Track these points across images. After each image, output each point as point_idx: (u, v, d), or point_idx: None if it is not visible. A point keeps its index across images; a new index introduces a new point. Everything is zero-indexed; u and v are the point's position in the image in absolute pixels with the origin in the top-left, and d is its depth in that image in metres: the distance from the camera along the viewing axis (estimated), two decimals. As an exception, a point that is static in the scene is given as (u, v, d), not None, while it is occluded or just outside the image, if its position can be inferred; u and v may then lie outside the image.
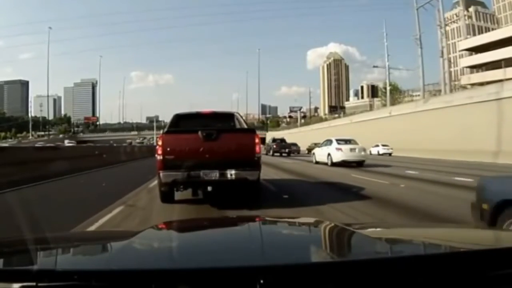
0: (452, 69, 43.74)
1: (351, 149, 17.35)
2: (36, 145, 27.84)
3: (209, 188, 6.22)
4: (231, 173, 6.06)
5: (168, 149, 6.12)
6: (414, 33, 40.27)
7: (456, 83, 49.07)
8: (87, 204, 6.54)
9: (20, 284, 0.87)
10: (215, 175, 6.06)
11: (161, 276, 0.91)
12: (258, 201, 6.61)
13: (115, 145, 36.70)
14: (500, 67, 36.70)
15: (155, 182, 8.60)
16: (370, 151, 31.32)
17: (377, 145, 34.42)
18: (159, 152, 6.15)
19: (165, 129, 7.36)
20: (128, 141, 77.83)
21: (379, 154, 32.73)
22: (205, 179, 6.07)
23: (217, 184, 6.17)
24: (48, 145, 34.47)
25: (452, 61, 48.11)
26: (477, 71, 43.33)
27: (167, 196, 6.56)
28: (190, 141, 6.19)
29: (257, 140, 6.33)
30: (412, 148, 30.65)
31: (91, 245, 1.55)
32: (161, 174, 6.13)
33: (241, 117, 8.46)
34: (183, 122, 7.83)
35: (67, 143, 50.97)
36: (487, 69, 39.72)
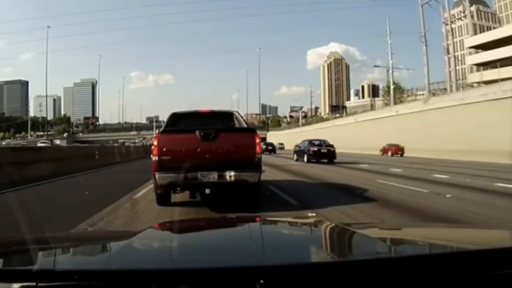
0: (457, 67, 43.08)
1: None
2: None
3: (207, 191, 6.00)
4: (230, 175, 5.82)
5: (164, 149, 5.85)
6: (415, 31, 40.13)
7: (463, 81, 48.49)
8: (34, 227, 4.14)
9: (20, 284, 0.87)
10: (213, 176, 5.82)
11: (161, 276, 0.91)
12: (258, 204, 6.32)
13: (111, 144, 34.54)
14: (508, 65, 36.07)
15: (143, 191, 8.15)
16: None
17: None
18: (155, 152, 5.88)
19: (161, 129, 7.06)
20: (121, 141, 74.60)
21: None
22: (203, 181, 5.83)
23: (216, 186, 5.93)
24: (28, 146, 31.46)
25: (459, 59, 47.61)
26: (484, 69, 42.79)
27: (163, 198, 6.31)
28: (187, 141, 5.95)
29: (257, 140, 6.10)
30: (421, 148, 29.74)
31: (91, 245, 1.55)
32: (156, 176, 5.86)
33: (241, 116, 8.19)
34: (180, 121, 7.59)
35: (39, 143, 47.69)
36: (494, 67, 39.11)
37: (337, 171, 15.01)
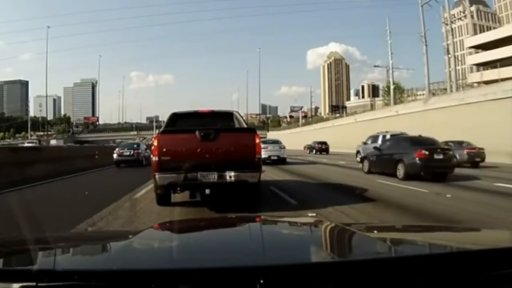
0: (457, 67, 42.92)
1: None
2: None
3: (207, 191, 5.99)
4: (230, 175, 5.82)
5: (164, 149, 5.86)
6: (415, 31, 39.96)
7: (463, 81, 48.40)
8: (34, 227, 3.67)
9: (20, 284, 0.87)
10: (213, 177, 5.83)
11: (161, 276, 0.91)
12: (258, 205, 6.37)
13: (111, 144, 34.18)
14: (508, 65, 35.96)
15: (143, 191, 8.15)
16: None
17: None
18: (155, 153, 5.89)
19: (161, 129, 7.11)
20: (118, 140, 73.75)
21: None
22: (203, 181, 5.84)
23: (216, 186, 5.94)
24: (26, 145, 30.54)
25: (459, 59, 47.57)
26: (484, 69, 42.73)
27: (163, 198, 6.34)
28: (187, 142, 5.95)
29: (257, 140, 6.11)
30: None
31: (91, 245, 1.55)
32: (156, 176, 5.87)
33: (241, 116, 8.21)
34: (181, 122, 7.63)
35: (26, 143, 46.24)
36: (494, 67, 38.99)
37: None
